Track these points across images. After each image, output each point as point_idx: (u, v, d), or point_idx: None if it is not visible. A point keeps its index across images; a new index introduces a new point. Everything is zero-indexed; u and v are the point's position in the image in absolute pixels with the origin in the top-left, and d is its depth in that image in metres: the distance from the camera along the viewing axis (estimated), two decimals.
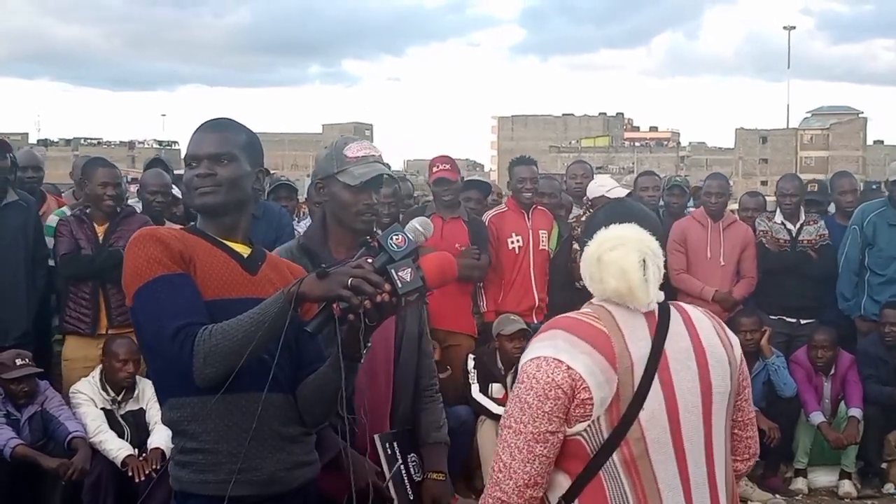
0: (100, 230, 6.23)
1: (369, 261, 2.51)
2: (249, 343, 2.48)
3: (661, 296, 2.58)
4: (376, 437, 3.43)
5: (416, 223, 2.61)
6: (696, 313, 2.64)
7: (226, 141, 2.80)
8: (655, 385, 2.45)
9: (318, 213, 3.65)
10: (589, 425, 2.43)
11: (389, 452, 3.46)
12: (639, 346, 2.47)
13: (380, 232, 2.62)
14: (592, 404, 2.41)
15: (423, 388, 3.66)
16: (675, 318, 2.56)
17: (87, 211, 6.29)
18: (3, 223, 6.23)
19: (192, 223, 2.91)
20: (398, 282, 2.48)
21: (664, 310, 2.56)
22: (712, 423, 2.52)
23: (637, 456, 2.43)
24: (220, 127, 2.84)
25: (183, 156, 2.85)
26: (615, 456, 2.44)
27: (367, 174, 3.33)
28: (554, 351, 2.45)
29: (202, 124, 2.86)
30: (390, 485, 3.42)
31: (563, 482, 2.49)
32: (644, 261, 2.50)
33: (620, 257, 2.50)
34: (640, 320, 2.52)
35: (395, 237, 2.52)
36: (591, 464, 2.45)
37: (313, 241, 3.49)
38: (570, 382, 2.41)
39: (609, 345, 2.45)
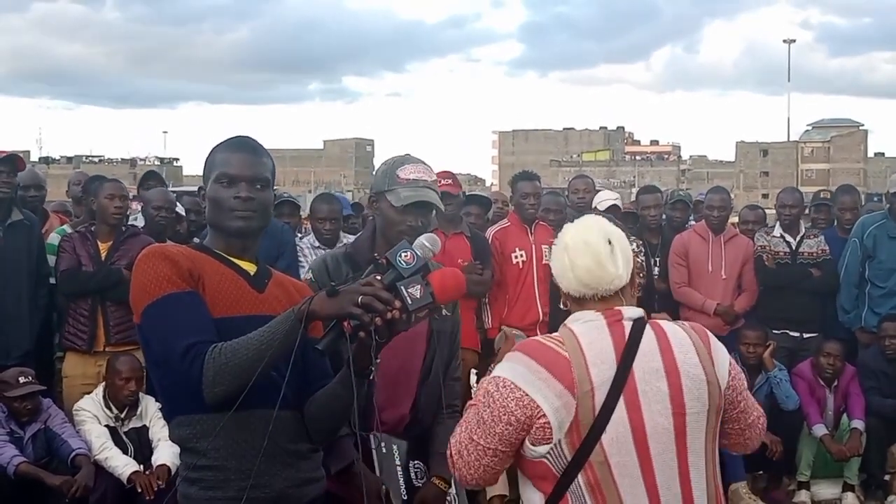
0: (103, 248, 6.25)
1: (378, 278, 2.52)
2: (259, 361, 2.49)
3: (638, 312, 2.61)
4: (371, 435, 3.46)
5: (423, 239, 2.63)
6: (675, 331, 2.62)
7: (263, 166, 2.82)
8: (620, 407, 2.45)
9: (370, 223, 3.78)
10: (552, 448, 2.46)
11: (384, 451, 3.49)
12: (601, 369, 2.48)
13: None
14: (551, 428, 2.45)
15: (444, 406, 3.65)
16: (648, 338, 2.55)
17: (93, 228, 6.33)
18: (7, 242, 6.24)
19: (197, 240, 2.92)
20: (408, 298, 2.49)
21: (638, 329, 2.56)
22: (687, 444, 2.51)
23: (601, 479, 2.45)
24: (255, 150, 2.84)
25: (214, 173, 2.79)
26: (580, 478, 2.46)
27: (410, 198, 3.40)
28: (513, 374, 2.51)
29: (234, 143, 2.86)
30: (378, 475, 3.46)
31: (538, 502, 2.54)
32: (609, 240, 2.61)
33: (585, 237, 2.62)
34: (607, 342, 2.52)
35: (403, 254, 2.53)
36: (558, 485, 2.49)
37: (360, 250, 3.58)
38: (525, 411, 2.46)
39: (569, 370, 2.47)
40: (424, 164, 3.54)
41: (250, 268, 2.84)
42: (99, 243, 6.26)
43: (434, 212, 3.61)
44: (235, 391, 2.51)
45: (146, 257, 2.69)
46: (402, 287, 2.50)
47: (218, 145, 2.88)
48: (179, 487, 2.75)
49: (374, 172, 3.65)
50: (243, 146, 2.84)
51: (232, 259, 2.81)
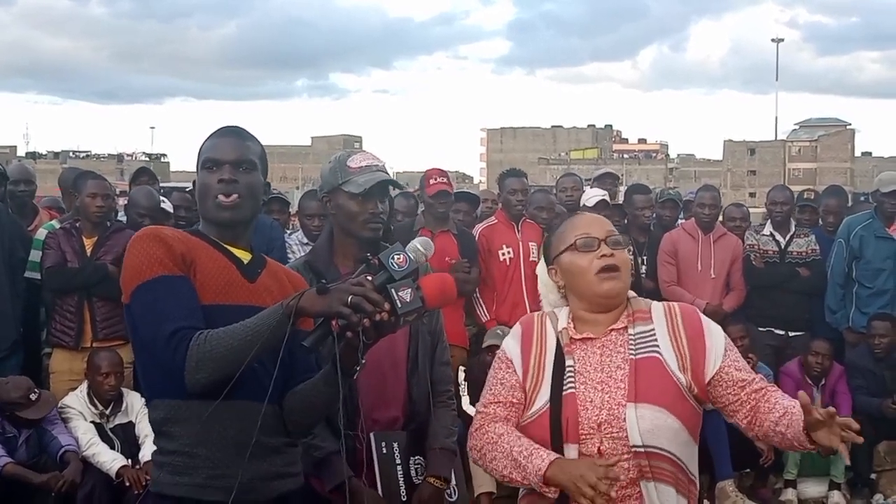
0: (88, 243, 6.20)
1: (369, 278, 2.49)
2: (244, 353, 2.48)
3: None
4: (371, 435, 3.44)
5: (417, 243, 2.60)
6: None
7: (247, 149, 2.83)
8: None
9: (326, 227, 3.71)
10: None
11: (384, 452, 3.47)
12: None
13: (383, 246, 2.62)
14: None
15: (436, 393, 3.65)
16: None
17: (77, 224, 6.28)
18: None
19: (195, 226, 2.90)
20: (398, 302, 2.46)
21: None
22: None
23: None
24: (240, 135, 2.87)
25: (201, 160, 2.82)
26: None
27: (370, 181, 3.38)
28: None
29: (220, 130, 2.89)
30: (377, 483, 3.43)
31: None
32: None
33: None
34: None
35: (396, 256, 2.51)
36: None
37: (319, 257, 3.54)
38: None
39: None
40: (371, 153, 3.54)
41: (244, 256, 2.83)
42: (84, 239, 6.20)
43: (389, 195, 3.57)
44: (217, 380, 2.51)
45: (141, 238, 2.68)
46: (393, 290, 2.47)
47: (208, 136, 2.90)
48: (151, 470, 2.74)
49: (321, 176, 3.59)
50: (227, 132, 2.87)
51: (226, 246, 2.80)
